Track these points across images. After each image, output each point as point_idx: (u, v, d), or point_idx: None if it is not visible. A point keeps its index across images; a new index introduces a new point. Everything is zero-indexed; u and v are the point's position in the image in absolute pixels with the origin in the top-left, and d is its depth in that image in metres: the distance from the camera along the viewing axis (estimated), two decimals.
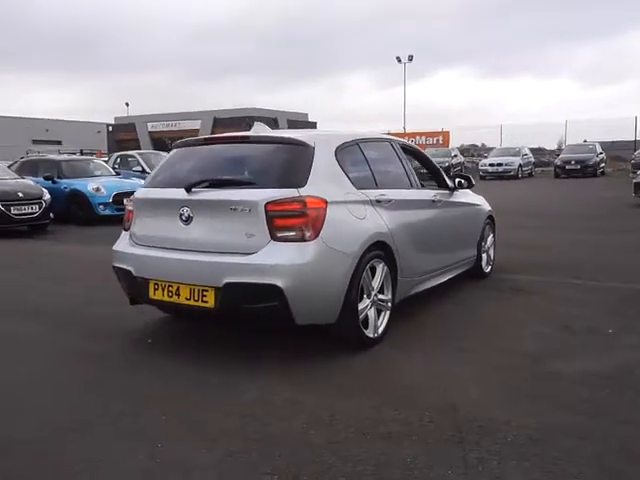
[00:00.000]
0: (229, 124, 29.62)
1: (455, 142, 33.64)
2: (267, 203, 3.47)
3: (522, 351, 3.79)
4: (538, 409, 2.94)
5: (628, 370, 3.42)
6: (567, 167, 24.45)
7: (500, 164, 26.00)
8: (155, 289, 3.76)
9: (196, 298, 3.58)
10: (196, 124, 30.89)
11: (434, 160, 5.65)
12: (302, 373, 3.48)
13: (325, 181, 3.71)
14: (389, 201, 4.17)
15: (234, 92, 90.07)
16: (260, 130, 4.28)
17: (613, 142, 30.11)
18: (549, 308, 4.82)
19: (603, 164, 25.86)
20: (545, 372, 3.44)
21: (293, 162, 3.76)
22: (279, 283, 3.36)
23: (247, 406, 3.05)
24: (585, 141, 27.83)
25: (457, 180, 5.51)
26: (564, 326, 4.29)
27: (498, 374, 3.43)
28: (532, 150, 35.23)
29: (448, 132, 33.51)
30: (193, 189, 3.70)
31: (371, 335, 3.86)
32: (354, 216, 3.79)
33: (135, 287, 3.91)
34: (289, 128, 32.50)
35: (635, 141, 28.04)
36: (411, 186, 4.74)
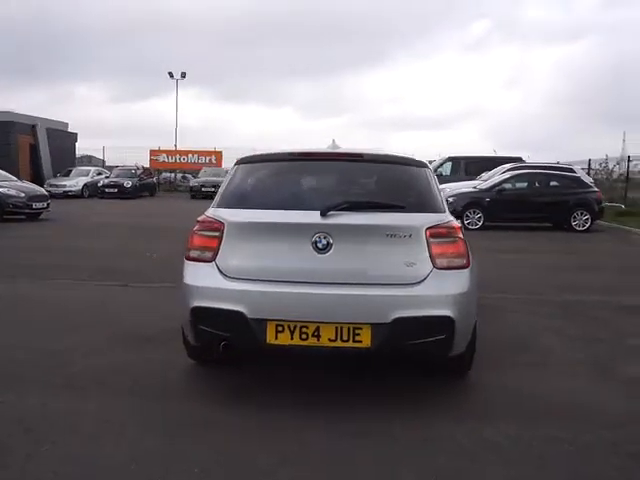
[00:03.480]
0: None
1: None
2: (427, 228, 3.28)
3: (576, 360, 4.27)
4: None
5: None
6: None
7: None
8: (278, 332, 3.19)
9: (345, 338, 3.16)
10: None
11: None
12: (460, 405, 3.38)
13: (444, 204, 3.63)
14: None
15: None
16: (335, 147, 3.96)
17: None
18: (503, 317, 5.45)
19: None
20: (626, 377, 3.96)
21: (423, 185, 3.63)
22: (452, 314, 3.21)
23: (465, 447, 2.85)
24: None
25: None
26: (557, 334, 4.93)
27: (596, 384, 3.82)
28: None
29: (221, 152, 33.61)
30: (329, 212, 3.26)
31: None
32: None
33: (245, 333, 3.23)
34: (49, 137, 28.78)
35: None
36: None
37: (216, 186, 27.52)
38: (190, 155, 33.91)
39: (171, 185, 34.33)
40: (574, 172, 17.06)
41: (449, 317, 3.20)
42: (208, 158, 33.69)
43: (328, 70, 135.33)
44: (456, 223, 3.45)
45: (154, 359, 4.07)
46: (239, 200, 3.57)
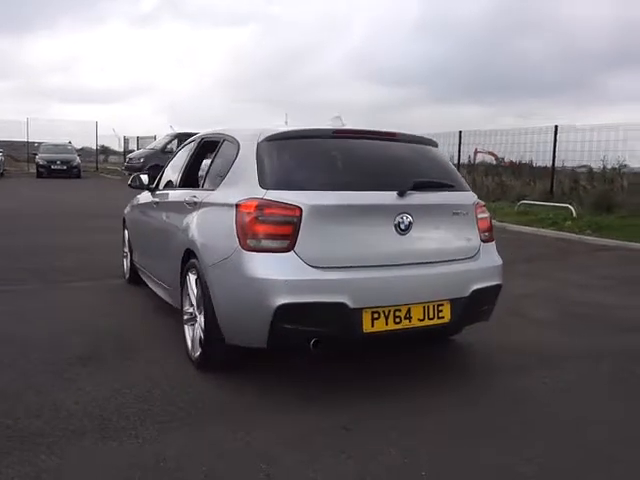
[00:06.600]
0: None
1: None
2: (476, 205, 3.56)
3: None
4: None
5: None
6: (53, 167, 24.60)
7: None
8: (374, 319, 3.09)
9: (431, 316, 3.24)
10: None
11: None
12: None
13: None
14: None
15: None
16: (338, 123, 3.81)
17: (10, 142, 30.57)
18: None
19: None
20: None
21: (450, 164, 3.91)
22: (501, 282, 3.60)
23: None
24: None
25: None
26: None
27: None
28: None
29: None
30: (407, 193, 3.23)
31: None
32: None
33: (343, 325, 3.02)
34: None
35: (27, 142, 29.93)
36: None
37: None
38: None
39: None
40: None
41: (500, 285, 3.60)
42: None
43: None
44: None
45: (155, 378, 3.34)
46: (297, 181, 3.20)
